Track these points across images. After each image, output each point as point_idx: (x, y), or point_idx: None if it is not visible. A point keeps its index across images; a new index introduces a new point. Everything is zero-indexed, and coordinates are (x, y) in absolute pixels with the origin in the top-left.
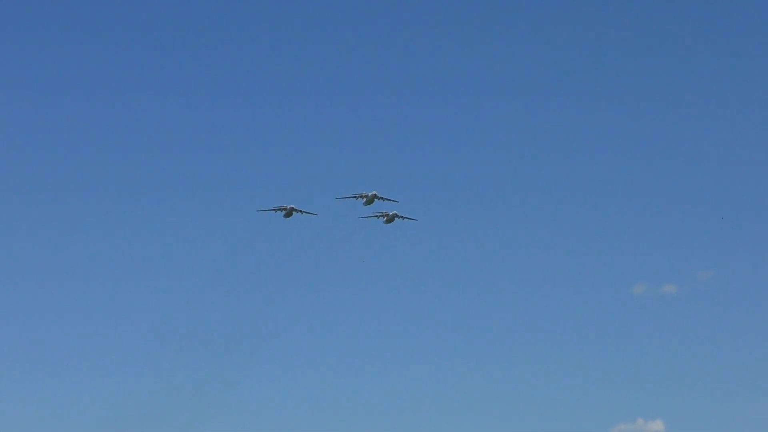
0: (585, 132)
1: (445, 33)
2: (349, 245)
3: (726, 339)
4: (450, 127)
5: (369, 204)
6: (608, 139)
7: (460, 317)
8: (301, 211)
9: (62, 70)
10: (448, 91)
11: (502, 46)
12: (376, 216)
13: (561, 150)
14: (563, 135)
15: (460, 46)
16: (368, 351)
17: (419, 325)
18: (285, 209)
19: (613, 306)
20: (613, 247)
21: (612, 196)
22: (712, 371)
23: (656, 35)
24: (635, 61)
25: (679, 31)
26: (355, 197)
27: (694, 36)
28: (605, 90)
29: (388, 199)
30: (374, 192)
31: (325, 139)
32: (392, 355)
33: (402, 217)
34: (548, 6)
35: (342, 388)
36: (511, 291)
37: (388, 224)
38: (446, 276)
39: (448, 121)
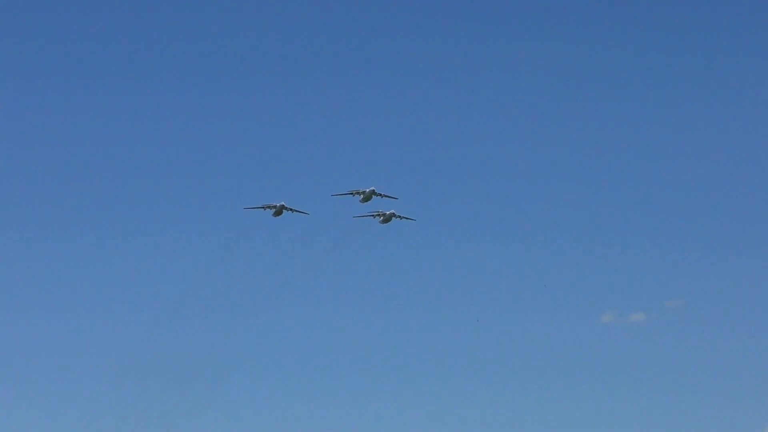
0: (559, 158)
1: (445, 32)
2: (342, 248)
3: (694, 367)
4: (450, 126)
5: (366, 201)
6: (578, 169)
7: (436, 333)
8: (291, 209)
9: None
10: (448, 90)
11: (502, 46)
12: (372, 215)
13: (531, 178)
14: (534, 163)
15: (461, 46)
16: (356, 367)
17: (409, 340)
18: (274, 207)
19: (582, 334)
20: (582, 276)
21: (580, 224)
22: (680, 399)
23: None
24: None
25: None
26: (351, 194)
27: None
28: (575, 117)
29: (386, 196)
30: (372, 188)
31: (320, 134)
32: (380, 371)
33: (400, 216)
34: (550, 10)
35: (327, 405)
36: (481, 315)
37: (385, 224)
38: (437, 285)
39: (448, 118)
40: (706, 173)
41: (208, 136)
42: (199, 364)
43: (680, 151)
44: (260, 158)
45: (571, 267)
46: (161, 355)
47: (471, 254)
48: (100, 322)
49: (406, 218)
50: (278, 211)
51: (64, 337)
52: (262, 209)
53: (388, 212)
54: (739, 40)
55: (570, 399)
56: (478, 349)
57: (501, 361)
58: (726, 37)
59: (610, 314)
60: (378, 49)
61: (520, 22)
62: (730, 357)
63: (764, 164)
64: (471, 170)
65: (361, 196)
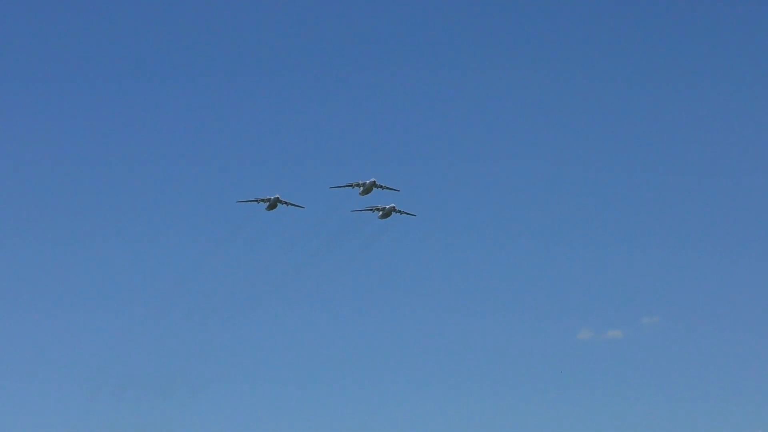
0: (539, 173)
1: (446, 32)
2: (338, 246)
3: (670, 384)
4: (449, 124)
5: (367, 193)
6: (557, 188)
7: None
8: (286, 202)
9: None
10: (452, 83)
11: (502, 46)
12: (371, 209)
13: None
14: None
15: (462, 47)
16: (351, 369)
17: (392, 343)
18: (268, 200)
19: (559, 351)
20: (559, 293)
21: (557, 242)
22: (657, 414)
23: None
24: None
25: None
26: (351, 186)
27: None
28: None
29: (388, 188)
30: (373, 179)
31: (318, 126)
32: (377, 373)
33: (400, 211)
34: (552, 8)
35: (325, 408)
36: (465, 332)
37: (384, 219)
38: (429, 287)
39: (448, 116)
40: (680, 193)
41: (201, 127)
42: (186, 368)
43: (655, 174)
44: (254, 149)
45: (548, 284)
46: (146, 358)
47: (468, 257)
48: (82, 322)
49: (407, 213)
50: (272, 204)
51: (48, 338)
52: (255, 203)
53: (388, 206)
54: (738, 41)
55: (548, 415)
56: (455, 369)
57: (480, 378)
58: (725, 38)
59: (587, 331)
60: (380, 41)
61: (524, 18)
62: (705, 373)
63: (736, 185)
64: (469, 168)
65: (361, 188)
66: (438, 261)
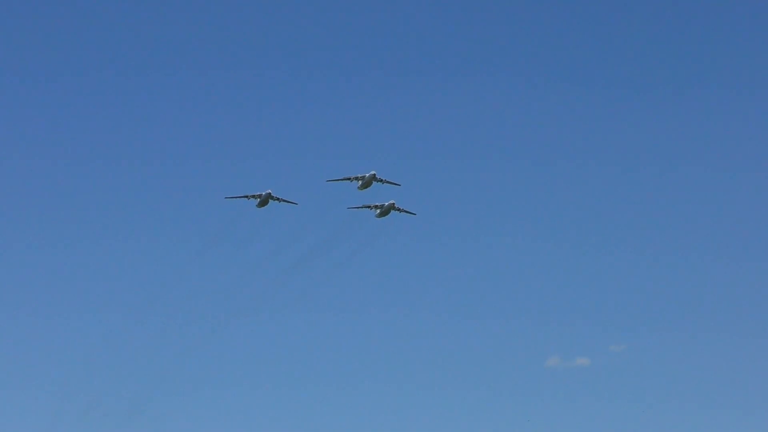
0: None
1: (447, 31)
2: (332, 246)
3: (639, 411)
4: (456, 120)
5: (366, 187)
6: (523, 214)
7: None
8: (279, 198)
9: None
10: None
11: (502, 46)
12: (369, 207)
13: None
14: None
15: (461, 45)
16: (345, 374)
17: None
18: (259, 197)
19: (526, 379)
20: (526, 320)
21: (523, 270)
22: None
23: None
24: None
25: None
26: (349, 179)
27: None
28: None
29: (388, 182)
30: (373, 172)
31: (312, 118)
32: (370, 377)
33: (399, 209)
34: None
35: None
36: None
37: (383, 217)
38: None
39: (456, 110)
40: (645, 224)
41: (185, 117)
42: (169, 378)
43: (625, 204)
44: (243, 141)
45: (516, 312)
46: (124, 367)
47: (472, 257)
48: (56, 327)
49: (406, 212)
50: (264, 200)
51: (31, 340)
52: (245, 199)
53: (387, 203)
54: (739, 42)
55: None
56: (420, 394)
57: (447, 407)
58: (726, 39)
59: (555, 358)
60: (378, 38)
61: (527, 18)
62: (674, 401)
63: (701, 217)
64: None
65: (360, 181)
66: (431, 265)
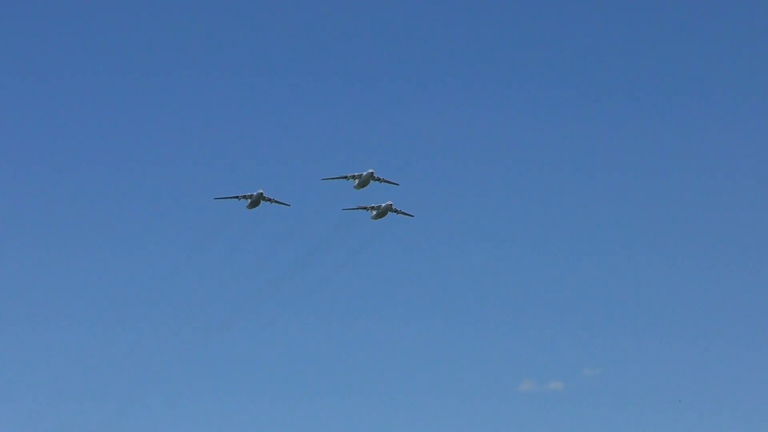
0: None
1: (447, 31)
2: (325, 250)
3: None
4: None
5: (363, 187)
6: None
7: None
8: (270, 199)
9: None
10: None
11: (503, 47)
12: (365, 208)
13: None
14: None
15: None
16: (338, 385)
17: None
18: (251, 197)
19: (500, 403)
20: (499, 344)
21: (498, 291)
22: None
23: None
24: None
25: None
26: (345, 178)
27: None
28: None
29: (386, 181)
30: (371, 170)
31: (307, 116)
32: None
33: (397, 211)
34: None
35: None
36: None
37: (379, 219)
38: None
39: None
40: (619, 249)
41: (174, 115)
42: (157, 387)
43: (611, 216)
44: (234, 139)
45: (489, 335)
46: (106, 377)
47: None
48: (34, 335)
49: (404, 213)
50: (255, 201)
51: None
52: (236, 199)
53: (384, 204)
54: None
55: None
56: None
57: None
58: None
59: (528, 382)
60: (379, 38)
61: (529, 18)
62: (647, 426)
63: (672, 239)
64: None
65: (357, 180)
66: (426, 272)
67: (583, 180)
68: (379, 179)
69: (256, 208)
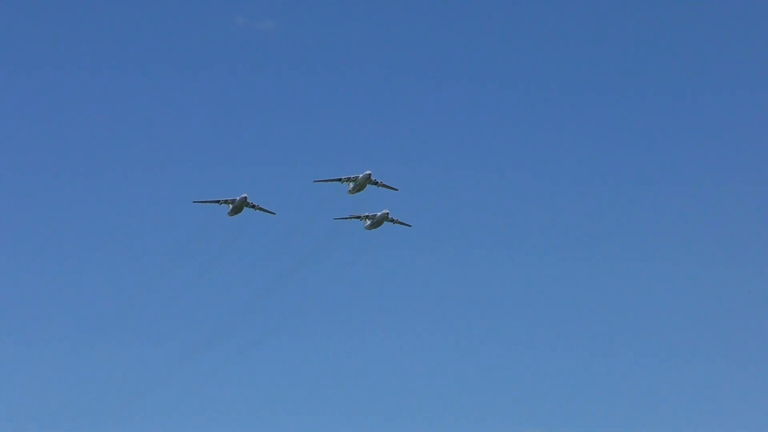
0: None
1: (447, 36)
2: (313, 264)
3: None
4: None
5: (359, 191)
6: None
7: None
8: (254, 206)
9: None
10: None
11: (502, 52)
12: (358, 217)
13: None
14: None
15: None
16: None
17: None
18: (232, 202)
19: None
20: (497, 357)
21: (499, 305)
22: None
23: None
24: None
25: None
26: (339, 180)
27: None
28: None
29: (385, 186)
30: (368, 172)
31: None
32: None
33: (393, 220)
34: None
35: None
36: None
37: (374, 229)
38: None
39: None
40: (622, 257)
41: (152, 113)
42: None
43: (614, 225)
44: (217, 140)
45: (488, 348)
46: (79, 403)
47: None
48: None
49: (401, 223)
50: (237, 207)
51: None
52: (217, 204)
53: (380, 213)
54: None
55: None
56: None
57: None
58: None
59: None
60: (380, 42)
61: (524, 22)
62: None
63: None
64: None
65: (352, 183)
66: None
67: (586, 189)
68: (377, 183)
69: (239, 214)
